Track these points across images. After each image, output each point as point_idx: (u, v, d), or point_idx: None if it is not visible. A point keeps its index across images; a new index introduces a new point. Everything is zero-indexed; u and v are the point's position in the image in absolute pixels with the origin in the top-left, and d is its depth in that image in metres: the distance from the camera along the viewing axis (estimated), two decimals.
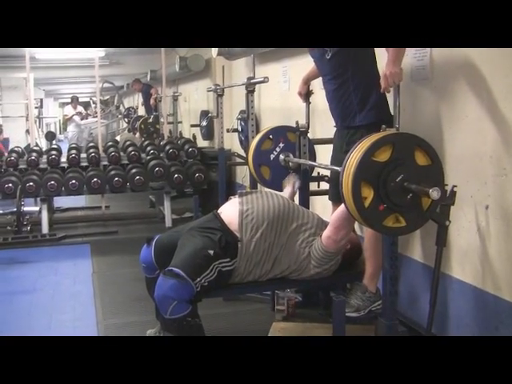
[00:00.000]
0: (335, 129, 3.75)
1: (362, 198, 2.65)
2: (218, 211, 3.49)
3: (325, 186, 4.09)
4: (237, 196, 3.50)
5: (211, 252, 3.19)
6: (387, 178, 2.64)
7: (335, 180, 3.66)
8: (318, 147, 4.31)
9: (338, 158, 3.57)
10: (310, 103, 4.26)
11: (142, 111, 13.79)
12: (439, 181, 2.72)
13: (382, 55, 3.37)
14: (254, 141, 4.31)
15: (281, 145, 4.19)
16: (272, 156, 4.19)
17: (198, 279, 3.12)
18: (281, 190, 3.96)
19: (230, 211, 3.42)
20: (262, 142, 4.24)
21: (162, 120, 10.03)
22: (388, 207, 2.68)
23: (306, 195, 4.05)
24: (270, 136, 4.25)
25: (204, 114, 9.02)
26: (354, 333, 3.44)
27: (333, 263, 3.33)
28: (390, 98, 3.23)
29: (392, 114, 3.36)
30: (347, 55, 3.40)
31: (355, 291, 3.50)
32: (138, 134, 11.16)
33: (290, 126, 4.28)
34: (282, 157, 4.16)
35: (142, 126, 10.86)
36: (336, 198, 3.72)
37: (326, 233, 3.28)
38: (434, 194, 2.56)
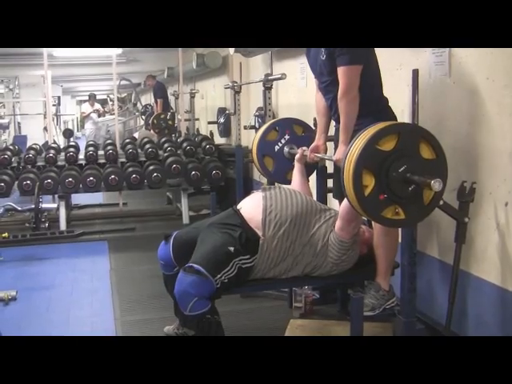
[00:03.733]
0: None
1: (362, 186, 2.62)
2: (238, 207, 3.47)
3: None
4: (259, 191, 3.48)
5: (231, 249, 3.18)
6: (390, 167, 2.61)
7: (337, 176, 3.66)
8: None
9: None
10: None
11: None
12: (443, 175, 2.67)
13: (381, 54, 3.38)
14: (260, 131, 4.27)
15: (286, 137, 4.15)
16: (276, 147, 4.15)
17: (218, 276, 3.11)
18: (283, 182, 3.95)
19: (250, 207, 3.40)
20: (267, 132, 4.20)
21: (179, 117, 10.05)
22: (388, 197, 2.64)
23: (323, 192, 4.04)
24: (276, 127, 4.23)
25: (221, 111, 9.02)
26: (372, 330, 3.43)
27: (351, 254, 3.31)
28: (406, 95, 3.22)
29: (395, 116, 3.38)
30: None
31: (369, 290, 3.48)
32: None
33: (296, 119, 4.28)
34: (286, 149, 4.13)
35: (155, 121, 10.85)
36: (339, 194, 3.70)
37: (338, 226, 3.26)
38: (436, 185, 2.52)
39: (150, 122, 11.03)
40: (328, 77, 3.47)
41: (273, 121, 4.40)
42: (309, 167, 3.93)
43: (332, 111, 3.61)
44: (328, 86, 3.51)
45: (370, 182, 2.63)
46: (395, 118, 3.36)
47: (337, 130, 3.66)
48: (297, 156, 3.83)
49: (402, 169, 2.61)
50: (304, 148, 3.84)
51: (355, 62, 3.25)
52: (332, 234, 3.28)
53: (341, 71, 3.29)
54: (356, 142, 2.66)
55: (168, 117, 10.95)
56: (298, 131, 4.19)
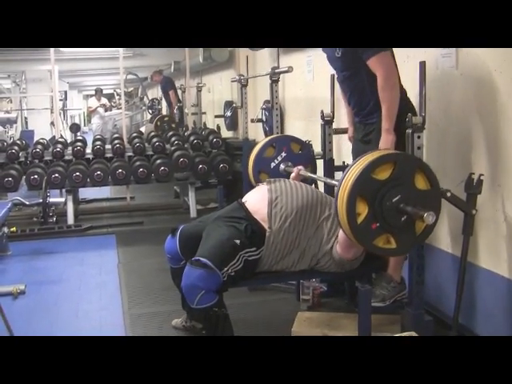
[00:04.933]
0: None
1: (355, 214, 2.63)
2: (243, 200, 3.48)
3: None
4: (264, 183, 3.48)
5: (237, 242, 3.18)
6: (384, 196, 2.61)
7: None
8: (342, 136, 4.31)
9: (357, 149, 3.60)
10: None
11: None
12: (436, 207, 2.69)
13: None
14: (257, 147, 4.31)
15: (283, 154, 4.17)
16: (273, 164, 4.17)
17: (225, 269, 3.11)
18: None
19: (255, 200, 3.40)
20: (264, 148, 4.23)
21: (186, 111, 10.05)
22: (381, 226, 2.65)
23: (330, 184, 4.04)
24: (274, 144, 4.24)
25: (228, 104, 9.02)
26: (380, 322, 3.43)
27: (354, 262, 3.30)
28: (413, 87, 3.21)
29: (413, 106, 3.38)
30: (356, 54, 3.38)
31: (380, 281, 3.49)
32: None
33: (294, 137, 4.35)
34: (282, 166, 4.13)
35: (158, 123, 10.84)
36: None
37: (339, 250, 3.21)
38: (429, 218, 2.53)
39: (154, 124, 11.03)
40: (345, 72, 3.52)
41: (270, 137, 4.44)
42: None
43: (352, 105, 3.64)
44: (345, 79, 3.55)
45: (363, 209, 2.64)
46: (413, 108, 3.36)
47: (355, 122, 3.70)
48: (292, 174, 3.84)
49: (395, 199, 2.62)
50: (300, 167, 3.85)
51: (382, 49, 3.26)
52: (334, 249, 3.24)
53: (373, 62, 3.30)
54: (352, 168, 2.67)
55: (176, 110, 10.93)
56: (295, 149, 4.23)
